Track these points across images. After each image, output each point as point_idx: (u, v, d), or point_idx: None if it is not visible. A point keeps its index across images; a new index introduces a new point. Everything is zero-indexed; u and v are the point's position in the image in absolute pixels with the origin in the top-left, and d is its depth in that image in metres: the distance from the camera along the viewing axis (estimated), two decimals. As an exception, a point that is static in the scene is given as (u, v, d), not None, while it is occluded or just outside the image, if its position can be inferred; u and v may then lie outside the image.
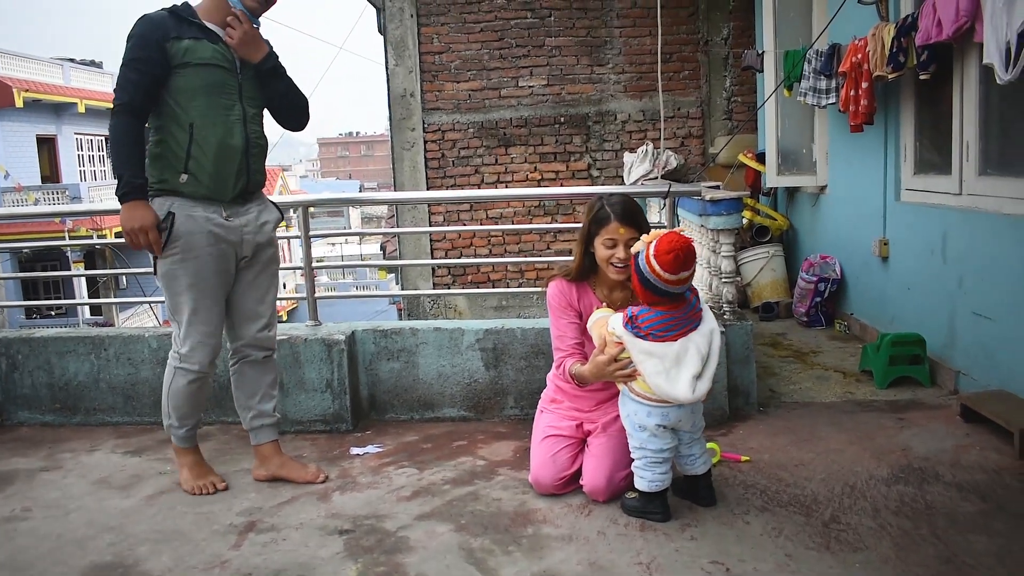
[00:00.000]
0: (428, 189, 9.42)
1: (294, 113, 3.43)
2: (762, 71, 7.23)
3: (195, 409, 3.40)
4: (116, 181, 3.09)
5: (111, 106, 3.18)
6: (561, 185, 9.19)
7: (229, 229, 3.22)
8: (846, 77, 5.21)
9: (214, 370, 3.39)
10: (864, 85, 5.00)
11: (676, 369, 2.84)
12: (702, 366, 2.86)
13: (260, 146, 3.31)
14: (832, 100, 5.64)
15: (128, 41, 3.09)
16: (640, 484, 3.00)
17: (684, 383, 2.83)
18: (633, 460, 3.05)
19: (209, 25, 3.16)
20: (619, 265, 3.11)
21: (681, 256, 2.76)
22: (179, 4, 3.17)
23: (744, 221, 6.80)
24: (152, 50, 3.05)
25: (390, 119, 9.51)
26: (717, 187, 4.50)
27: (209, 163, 3.14)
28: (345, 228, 43.90)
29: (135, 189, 3.07)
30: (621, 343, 2.94)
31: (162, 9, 3.14)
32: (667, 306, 2.86)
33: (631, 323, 2.91)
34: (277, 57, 3.32)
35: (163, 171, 3.15)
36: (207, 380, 3.38)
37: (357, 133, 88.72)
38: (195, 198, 3.16)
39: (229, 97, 3.18)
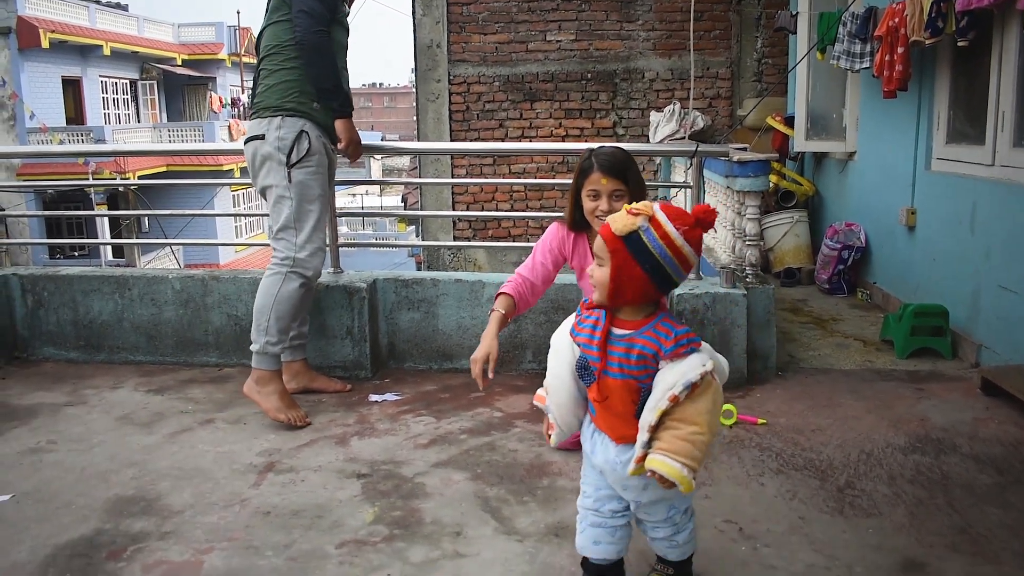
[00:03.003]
0: (452, 141, 9.38)
1: None
2: (795, 33, 7.11)
3: (293, 322, 3.67)
4: (336, 96, 3.60)
5: (301, 30, 3.52)
6: (586, 142, 9.13)
7: (332, 160, 3.76)
8: (881, 41, 5.12)
9: (317, 281, 3.75)
10: (900, 50, 4.91)
11: None
12: None
13: None
14: (866, 64, 5.54)
15: None
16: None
17: None
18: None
19: None
20: (602, 218, 2.98)
21: (698, 228, 1.98)
22: None
23: (769, 185, 6.74)
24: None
25: (415, 70, 9.46)
26: (744, 149, 4.45)
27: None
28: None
29: (351, 106, 3.67)
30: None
31: None
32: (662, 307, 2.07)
33: (686, 336, 1.98)
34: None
35: (300, 96, 3.59)
36: (313, 289, 3.73)
37: (380, 84, 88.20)
38: (320, 125, 3.63)
39: (344, 58, 3.76)
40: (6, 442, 3.42)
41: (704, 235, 2.02)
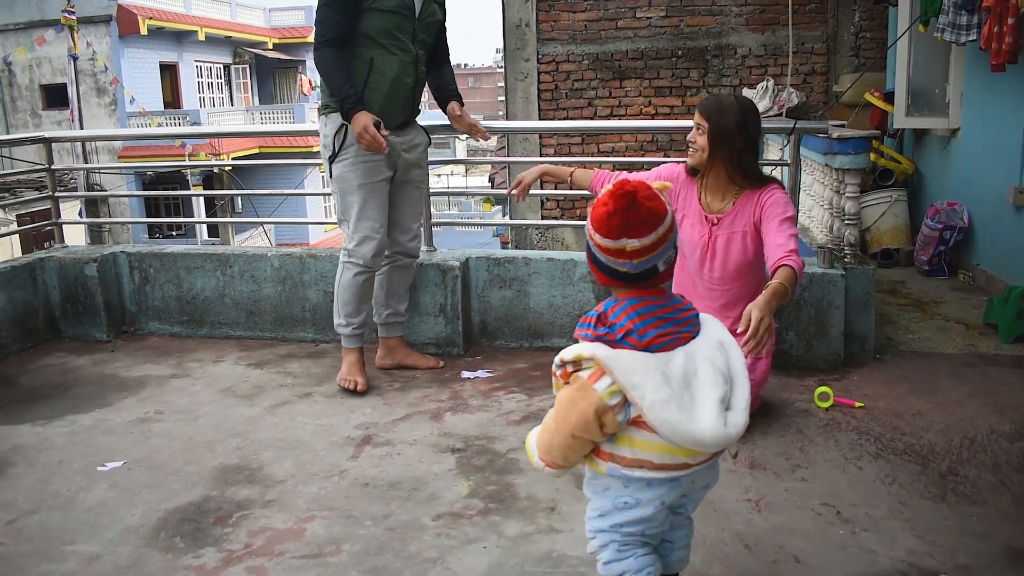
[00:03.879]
0: (540, 120, 9.38)
1: (447, 62, 3.98)
2: (896, 5, 6.88)
3: (360, 306, 3.77)
4: (340, 103, 3.51)
5: (313, 41, 3.58)
6: (676, 120, 9.01)
7: (389, 144, 3.59)
8: (990, 12, 4.90)
9: (378, 266, 3.79)
10: (1010, 21, 4.68)
11: (689, 393, 1.74)
12: (726, 388, 1.77)
13: (424, 83, 3.85)
14: (973, 37, 5.31)
15: None
16: None
17: (710, 412, 1.72)
18: (591, 545, 1.95)
19: None
20: (690, 148, 3.24)
21: (618, 213, 1.74)
22: None
23: (869, 163, 6.55)
24: None
25: (504, 49, 9.47)
26: (843, 126, 4.33)
27: (381, 96, 3.59)
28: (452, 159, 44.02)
29: (355, 103, 3.48)
30: (591, 377, 1.75)
31: None
32: (640, 292, 1.81)
33: (599, 323, 1.79)
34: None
35: None
36: (371, 276, 3.78)
37: (465, 65, 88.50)
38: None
39: (404, 39, 3.60)
40: (117, 412, 3.59)
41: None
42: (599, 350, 1.74)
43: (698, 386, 1.74)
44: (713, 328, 1.86)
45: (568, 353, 1.77)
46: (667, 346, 1.77)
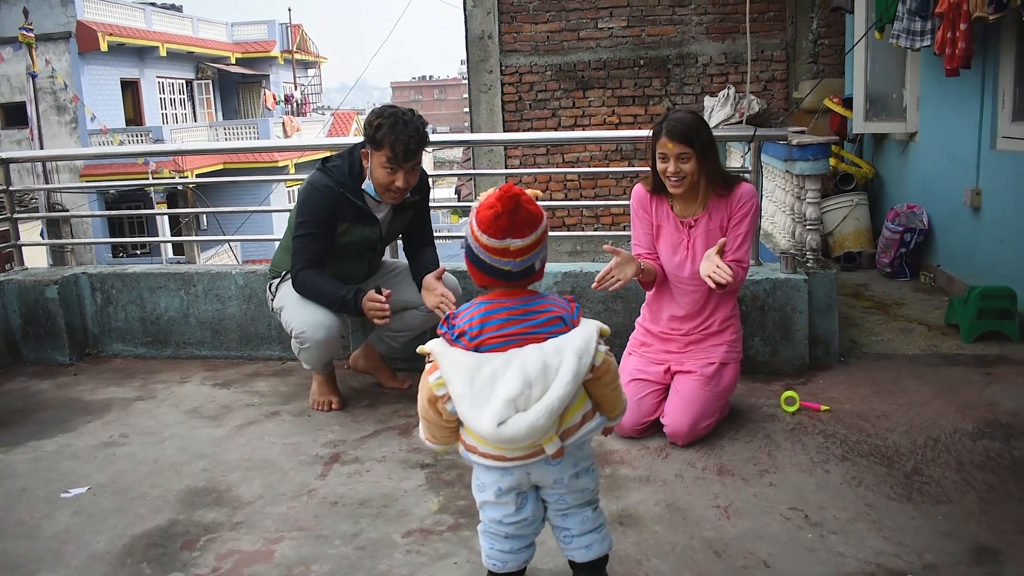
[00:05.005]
0: (504, 132, 9.39)
1: (430, 244, 3.86)
2: (852, 12, 6.97)
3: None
4: (343, 308, 3.46)
5: (292, 271, 3.58)
6: (639, 130, 9.07)
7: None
8: (943, 18, 4.99)
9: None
10: (962, 27, 4.78)
11: (488, 391, 1.90)
12: (525, 390, 1.88)
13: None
14: (927, 43, 5.42)
15: (301, 209, 3.51)
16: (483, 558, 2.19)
17: (490, 411, 1.87)
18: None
19: (369, 197, 3.53)
20: (672, 179, 3.19)
21: (505, 214, 1.92)
22: (346, 173, 3.51)
23: (829, 168, 6.63)
24: (325, 225, 3.49)
25: (467, 61, 9.49)
26: (803, 132, 4.39)
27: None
28: (418, 172, 43.88)
29: (355, 296, 3.39)
30: (429, 370, 1.99)
31: (329, 183, 3.49)
32: (498, 293, 2.02)
33: (446, 323, 2.03)
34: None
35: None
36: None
37: (430, 77, 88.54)
38: None
39: (368, 254, 3.70)
40: (81, 436, 3.54)
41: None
42: (436, 346, 1.99)
43: (498, 386, 1.89)
44: (576, 337, 1.96)
45: (423, 347, 2.02)
46: (502, 346, 1.95)
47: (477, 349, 1.96)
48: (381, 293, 3.36)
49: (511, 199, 1.93)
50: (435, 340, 2.02)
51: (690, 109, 3.33)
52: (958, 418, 3.33)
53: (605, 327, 2.02)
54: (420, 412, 2.05)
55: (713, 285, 3.04)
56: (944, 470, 2.90)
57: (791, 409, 3.43)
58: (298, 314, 3.52)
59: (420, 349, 2.02)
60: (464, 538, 2.57)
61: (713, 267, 3.05)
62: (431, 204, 3.90)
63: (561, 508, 2.11)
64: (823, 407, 3.46)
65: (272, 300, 3.74)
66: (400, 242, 3.93)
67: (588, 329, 1.98)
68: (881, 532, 2.51)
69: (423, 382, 2.00)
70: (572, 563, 2.18)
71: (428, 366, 1.99)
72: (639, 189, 3.42)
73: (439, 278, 3.51)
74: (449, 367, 1.93)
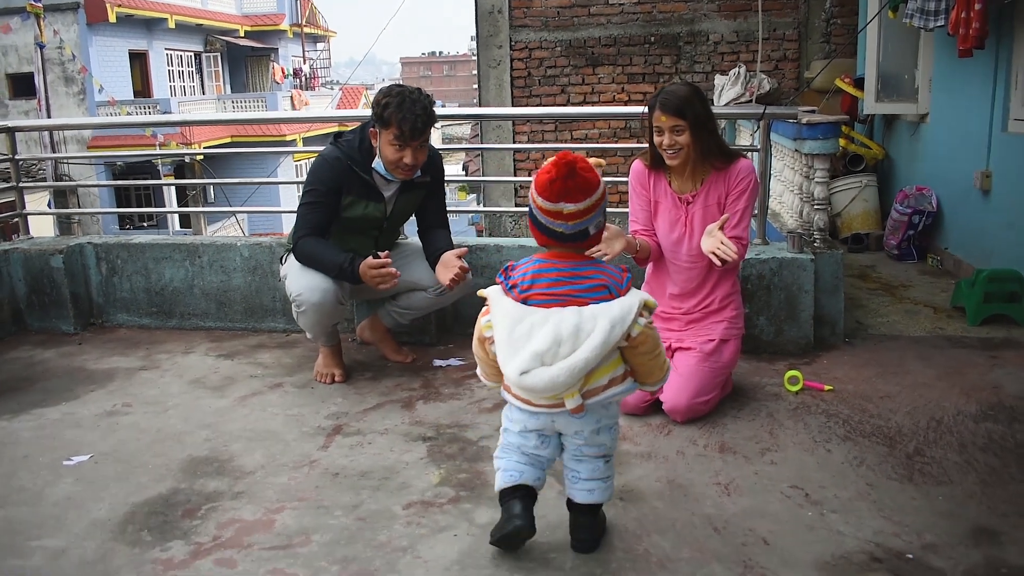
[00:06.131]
0: (513, 107, 9.35)
1: (443, 226, 3.88)
2: (865, -9, 6.91)
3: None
4: (339, 275, 3.47)
5: (293, 239, 3.62)
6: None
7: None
8: (958, -3, 4.94)
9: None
10: (977, 6, 4.72)
11: (523, 343, 2.10)
12: (554, 347, 2.07)
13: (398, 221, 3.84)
14: (941, 22, 5.35)
15: (309, 178, 3.57)
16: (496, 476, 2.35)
17: (518, 360, 2.09)
18: None
19: (378, 175, 3.57)
20: (668, 151, 3.18)
21: (559, 179, 2.08)
22: (356, 148, 3.55)
23: (838, 148, 6.59)
24: (330, 195, 3.53)
25: (477, 36, 9.43)
26: (813, 112, 4.35)
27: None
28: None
29: (351, 263, 3.42)
30: (484, 312, 2.23)
31: (339, 155, 3.53)
32: (553, 254, 2.21)
33: (504, 272, 2.23)
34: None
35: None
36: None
37: (440, 53, 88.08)
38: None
39: (373, 231, 3.70)
40: (84, 405, 3.55)
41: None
42: (491, 292, 2.21)
43: (532, 339, 2.09)
44: (614, 308, 2.10)
45: (482, 291, 2.24)
46: (548, 303, 2.14)
47: (525, 302, 2.15)
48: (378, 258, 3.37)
49: (566, 165, 2.07)
50: (493, 287, 2.22)
51: (687, 82, 3.27)
52: (962, 400, 3.32)
53: (652, 300, 2.16)
54: (473, 349, 2.30)
55: (718, 262, 3.03)
56: (946, 451, 2.89)
57: (794, 388, 3.42)
58: (297, 279, 3.55)
59: (480, 292, 2.25)
60: (464, 511, 2.57)
61: (717, 243, 3.04)
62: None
63: (577, 455, 2.29)
64: (827, 387, 3.45)
65: (281, 270, 3.77)
66: (415, 224, 3.93)
67: (631, 301, 2.12)
68: (881, 512, 2.51)
69: (478, 322, 2.23)
70: (570, 502, 2.34)
71: (483, 309, 2.21)
72: (637, 165, 3.42)
73: (460, 257, 3.52)
74: (497, 313, 2.16)
